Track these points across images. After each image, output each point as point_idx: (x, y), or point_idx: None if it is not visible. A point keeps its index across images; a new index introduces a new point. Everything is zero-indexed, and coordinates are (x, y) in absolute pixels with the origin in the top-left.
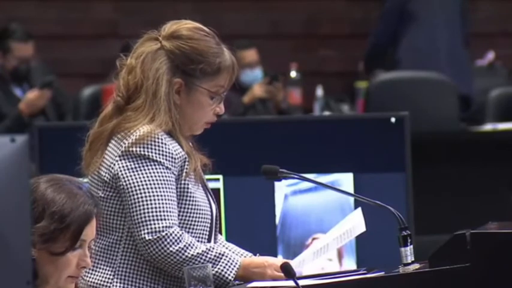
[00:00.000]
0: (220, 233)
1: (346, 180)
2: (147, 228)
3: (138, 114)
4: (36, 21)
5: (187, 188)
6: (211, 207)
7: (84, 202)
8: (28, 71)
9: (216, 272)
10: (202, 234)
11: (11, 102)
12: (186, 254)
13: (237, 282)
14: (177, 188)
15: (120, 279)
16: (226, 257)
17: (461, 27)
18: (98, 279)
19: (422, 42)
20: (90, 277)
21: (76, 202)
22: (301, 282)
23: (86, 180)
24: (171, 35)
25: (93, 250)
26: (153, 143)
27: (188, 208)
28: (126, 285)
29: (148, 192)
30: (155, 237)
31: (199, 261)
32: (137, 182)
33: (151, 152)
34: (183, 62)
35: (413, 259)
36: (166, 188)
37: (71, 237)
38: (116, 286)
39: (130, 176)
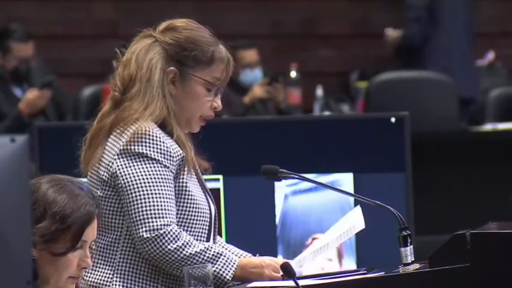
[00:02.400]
0: (220, 235)
1: (346, 180)
2: (145, 226)
3: (134, 102)
4: (36, 21)
5: (186, 187)
6: (210, 208)
7: (85, 203)
8: (28, 71)
9: (214, 271)
10: (201, 233)
11: (11, 102)
12: (183, 252)
13: (237, 283)
14: (175, 186)
15: (120, 277)
16: (225, 256)
17: (471, 27)
18: (98, 278)
19: (442, 42)
20: (89, 276)
21: (77, 203)
22: (301, 282)
23: (85, 180)
24: (165, 28)
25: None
26: (151, 141)
27: (187, 206)
28: (125, 284)
29: (147, 190)
30: (153, 235)
31: (197, 260)
32: (135, 180)
33: (150, 150)
34: (177, 50)
35: (413, 259)
36: (164, 186)
37: (72, 238)
38: (116, 285)
39: (129, 174)
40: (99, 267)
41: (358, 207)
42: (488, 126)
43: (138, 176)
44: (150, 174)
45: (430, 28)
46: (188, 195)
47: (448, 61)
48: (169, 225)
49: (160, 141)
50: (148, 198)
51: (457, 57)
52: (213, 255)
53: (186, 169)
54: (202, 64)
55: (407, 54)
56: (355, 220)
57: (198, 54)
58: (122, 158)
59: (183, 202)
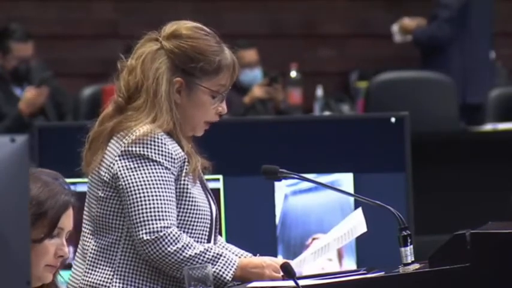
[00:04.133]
0: (220, 234)
1: (346, 180)
2: (145, 228)
3: (140, 114)
4: (36, 21)
5: (187, 189)
6: (211, 208)
7: (60, 191)
8: (28, 71)
9: (214, 272)
10: (202, 234)
11: (11, 102)
12: (184, 254)
13: (238, 283)
14: (176, 188)
15: (120, 278)
16: (224, 257)
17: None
18: (98, 279)
19: (468, 44)
20: (89, 277)
21: (52, 190)
22: (301, 282)
23: (86, 180)
24: (170, 34)
25: (92, 250)
26: (152, 143)
27: (187, 208)
28: (125, 285)
29: (147, 192)
30: (153, 237)
31: (197, 262)
32: (136, 181)
33: (151, 152)
34: (183, 61)
35: (413, 259)
36: (165, 188)
37: (49, 224)
38: (116, 286)
39: (130, 175)
40: (99, 268)
41: (360, 210)
42: (488, 126)
43: (139, 177)
44: (151, 176)
45: (459, 30)
46: (189, 196)
47: (472, 64)
48: (170, 227)
49: (161, 143)
50: (149, 200)
51: (481, 60)
52: (213, 256)
53: (187, 171)
54: (209, 74)
55: (432, 53)
56: (356, 223)
57: (205, 66)
58: (123, 159)
59: (184, 204)
